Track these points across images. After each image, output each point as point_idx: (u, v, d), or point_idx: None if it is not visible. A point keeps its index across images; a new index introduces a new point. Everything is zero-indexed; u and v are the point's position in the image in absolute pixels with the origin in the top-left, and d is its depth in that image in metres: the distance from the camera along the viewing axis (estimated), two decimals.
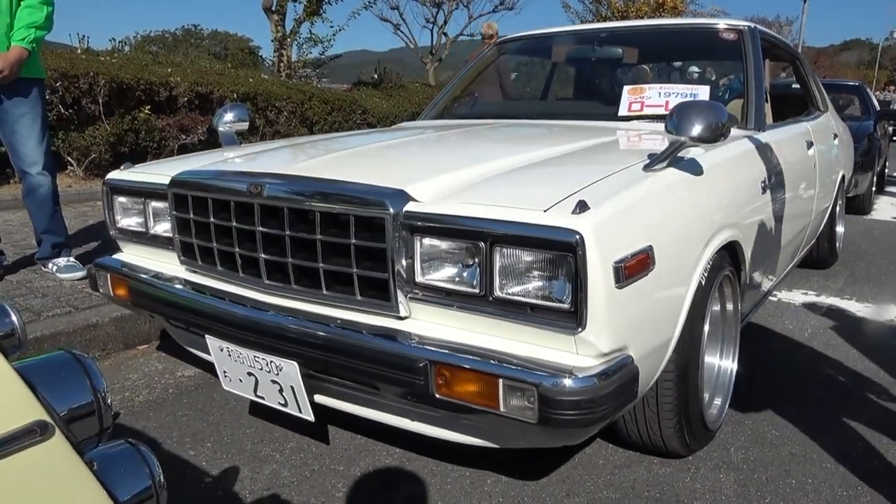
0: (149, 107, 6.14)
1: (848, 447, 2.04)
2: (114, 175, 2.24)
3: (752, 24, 2.81)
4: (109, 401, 0.68)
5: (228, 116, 2.51)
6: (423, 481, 1.84)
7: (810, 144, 3.04)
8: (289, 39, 11.02)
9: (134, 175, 2.18)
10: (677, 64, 3.81)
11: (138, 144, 6.02)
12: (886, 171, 8.48)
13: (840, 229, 4.36)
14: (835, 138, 3.78)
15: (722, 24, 2.81)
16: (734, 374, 2.17)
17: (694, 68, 4.19)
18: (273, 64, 11.45)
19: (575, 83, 3.68)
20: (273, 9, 10.79)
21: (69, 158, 5.75)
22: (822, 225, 3.72)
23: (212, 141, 5.92)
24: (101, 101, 5.76)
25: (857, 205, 6.28)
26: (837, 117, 4.22)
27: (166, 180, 1.98)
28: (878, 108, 7.63)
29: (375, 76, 12.92)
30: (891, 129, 9.06)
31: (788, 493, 1.80)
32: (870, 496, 1.78)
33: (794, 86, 4.28)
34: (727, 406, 2.12)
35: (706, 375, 1.95)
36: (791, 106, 3.61)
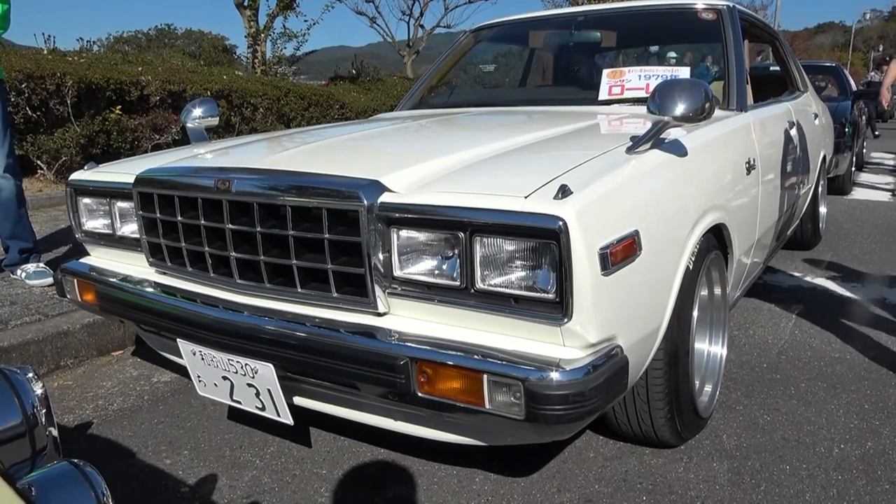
0: (120, 107, 5.98)
1: (841, 429, 2.01)
2: (77, 176, 2.15)
3: (731, 4, 2.77)
4: (43, 420, 0.60)
5: (197, 112, 2.42)
6: (410, 482, 1.78)
7: (792, 124, 3.01)
8: (262, 35, 10.86)
9: (98, 175, 2.09)
10: (654, 49, 3.76)
11: (110, 146, 5.86)
12: (864, 151, 8.53)
13: (823, 210, 4.36)
14: (815, 118, 3.76)
15: (700, 3, 2.76)
16: (724, 359, 2.13)
17: (672, 54, 4.14)
18: (248, 60, 11.29)
19: (553, 69, 3.62)
20: (245, 4, 10.63)
21: (39, 162, 5.58)
22: (806, 205, 3.71)
23: (186, 139, 5.78)
24: (69, 102, 5.59)
25: (837, 185, 6.31)
26: (817, 97, 4.21)
27: (131, 179, 1.89)
28: (854, 88, 7.66)
29: (353, 71, 12.81)
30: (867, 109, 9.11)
31: (783, 480, 1.76)
32: (865, 479, 1.75)
33: (771, 68, 4.26)
34: (718, 392, 2.08)
35: (696, 362, 1.91)
36: (769, 87, 3.58)
